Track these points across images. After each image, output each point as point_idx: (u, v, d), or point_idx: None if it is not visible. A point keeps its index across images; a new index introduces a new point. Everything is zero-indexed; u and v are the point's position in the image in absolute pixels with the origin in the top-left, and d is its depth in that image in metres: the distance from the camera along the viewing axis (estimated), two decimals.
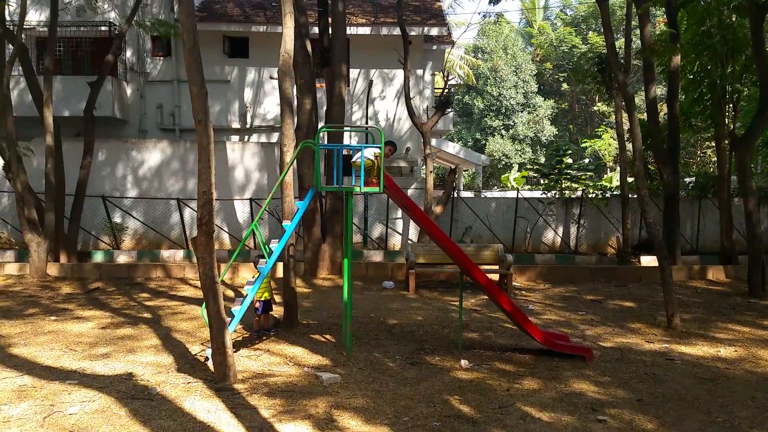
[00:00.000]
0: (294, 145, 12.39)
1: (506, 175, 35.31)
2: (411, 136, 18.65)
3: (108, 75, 17.58)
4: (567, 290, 12.26)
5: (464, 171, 31.83)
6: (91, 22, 17.34)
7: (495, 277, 13.01)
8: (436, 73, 15.75)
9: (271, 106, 18.54)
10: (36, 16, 17.89)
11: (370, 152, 6.98)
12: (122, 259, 14.40)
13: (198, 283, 12.14)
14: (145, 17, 17.60)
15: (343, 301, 7.28)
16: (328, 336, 8.18)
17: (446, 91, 17.30)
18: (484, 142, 43.34)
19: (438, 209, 15.54)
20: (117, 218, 15.72)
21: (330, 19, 13.60)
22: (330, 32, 13.56)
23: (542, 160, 37.88)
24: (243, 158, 16.50)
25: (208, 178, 5.69)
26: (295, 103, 10.79)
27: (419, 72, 18.93)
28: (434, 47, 20.66)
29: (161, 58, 18.67)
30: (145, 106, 18.62)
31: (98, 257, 14.37)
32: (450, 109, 16.90)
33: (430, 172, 15.67)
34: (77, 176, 13.95)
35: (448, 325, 8.99)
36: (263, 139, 18.39)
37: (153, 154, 16.36)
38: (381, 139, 6.80)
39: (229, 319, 6.57)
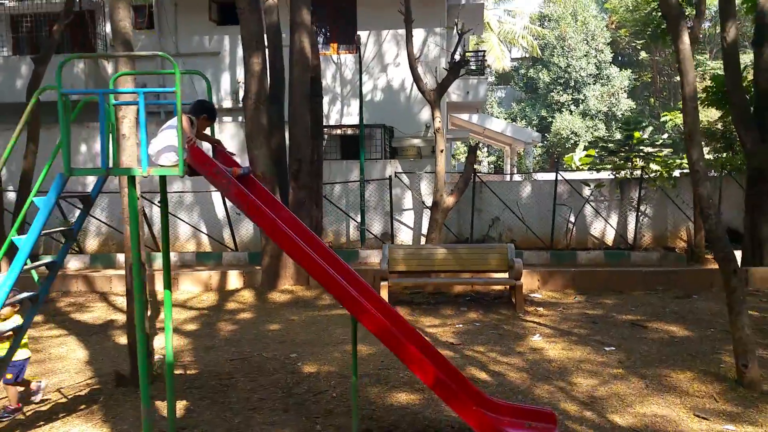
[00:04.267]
0: (251, 115, 9.86)
1: (570, 155, 31.11)
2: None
3: (82, 52, 15.73)
4: (602, 305, 8.91)
5: (518, 151, 28.09)
6: None
7: (501, 289, 9.90)
8: (463, 30, 12.58)
9: None
10: None
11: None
12: (73, 265, 12.40)
13: (119, 301, 9.80)
14: None
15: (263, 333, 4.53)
16: (186, 402, 5.50)
17: (460, 50, 14.02)
18: (550, 119, 39.04)
19: (450, 199, 12.41)
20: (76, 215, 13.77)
21: None
22: None
23: (618, 137, 33.35)
24: (231, 142, 14.06)
25: None
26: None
27: (438, 30, 15.75)
28: (463, 1, 17.32)
29: (145, 31, 16.57)
30: (131, 86, 16.60)
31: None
32: (465, 71, 13.66)
33: (441, 151, 12.56)
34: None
35: (392, 378, 6.05)
36: None
37: None
38: (176, 78, 3.95)
39: None
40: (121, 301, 9.73)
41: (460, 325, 8.02)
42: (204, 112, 4.39)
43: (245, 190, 4.09)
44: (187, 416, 5.16)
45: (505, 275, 9.18)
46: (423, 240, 13.29)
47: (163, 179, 4.63)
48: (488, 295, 9.83)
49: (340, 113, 16.14)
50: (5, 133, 13.41)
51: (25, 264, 4.09)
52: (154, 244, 13.44)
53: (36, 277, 4.68)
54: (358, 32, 14.11)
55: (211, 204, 14.08)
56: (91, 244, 14.16)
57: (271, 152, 10.08)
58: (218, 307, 9.20)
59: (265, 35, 10.20)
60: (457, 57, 13.13)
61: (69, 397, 5.66)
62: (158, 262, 12.11)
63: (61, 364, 6.66)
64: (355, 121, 15.74)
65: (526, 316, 8.43)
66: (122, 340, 7.59)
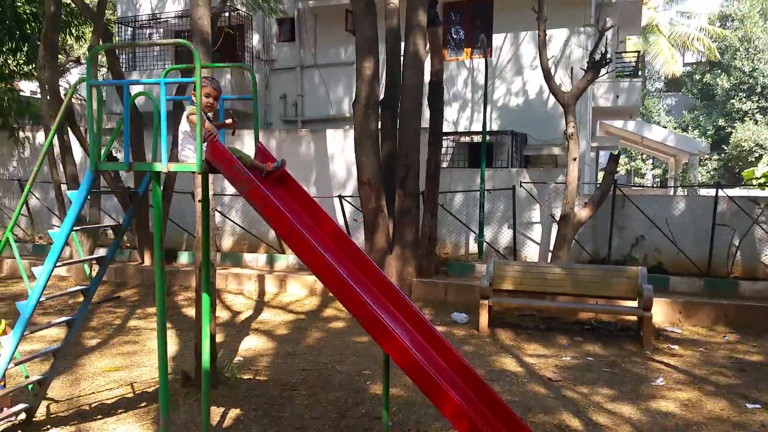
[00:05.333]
0: (359, 121, 9.59)
1: (750, 170, 27.12)
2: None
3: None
4: (760, 349, 7.23)
5: (683, 163, 24.99)
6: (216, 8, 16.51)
7: (631, 319, 8.56)
8: (604, 27, 11.30)
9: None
10: (174, 6, 17.79)
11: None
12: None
13: (230, 298, 10.00)
14: None
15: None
16: (239, 411, 5.21)
17: (606, 49, 12.54)
18: (729, 129, 34.48)
19: (583, 213, 11.08)
20: (217, 218, 14.53)
21: None
22: None
23: None
24: (344, 149, 14.03)
25: None
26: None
27: (583, 29, 14.40)
28: None
29: (286, 43, 17.24)
30: (270, 96, 17.38)
31: (183, 258, 13.26)
32: (607, 71, 12.13)
33: (574, 159, 11.29)
34: None
35: None
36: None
37: (248, 147, 14.82)
38: (196, 65, 3.61)
39: None
40: (231, 299, 9.94)
41: (568, 358, 6.91)
42: (212, 85, 4.04)
43: (264, 192, 3.62)
44: (232, 427, 4.85)
45: (633, 304, 7.83)
46: (550, 257, 12.06)
47: (205, 177, 4.37)
48: (614, 325, 8.49)
49: (470, 120, 15.41)
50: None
51: (70, 257, 4.04)
52: (279, 247, 13.75)
53: (88, 271, 4.66)
54: (482, 35, 13.30)
55: (332, 209, 14.10)
56: (226, 242, 14.88)
57: (379, 159, 9.71)
58: (315, 313, 8.98)
59: (376, 40, 9.86)
60: (597, 56, 11.77)
61: (137, 392, 5.66)
62: (280, 263, 12.34)
63: (149, 358, 6.76)
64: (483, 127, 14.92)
65: (655, 355, 7.06)
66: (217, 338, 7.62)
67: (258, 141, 4.41)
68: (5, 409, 4.53)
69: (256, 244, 14.36)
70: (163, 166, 3.71)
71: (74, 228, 4.01)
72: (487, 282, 8.01)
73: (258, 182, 3.64)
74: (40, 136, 15.75)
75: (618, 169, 11.58)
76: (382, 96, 10.62)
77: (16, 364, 4.30)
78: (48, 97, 10.87)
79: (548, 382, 6.07)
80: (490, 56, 15.16)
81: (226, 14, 16.49)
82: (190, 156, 3.82)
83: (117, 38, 18.42)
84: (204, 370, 4.37)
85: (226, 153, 3.72)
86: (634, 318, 8.26)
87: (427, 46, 10.96)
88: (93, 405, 5.30)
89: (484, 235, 12.31)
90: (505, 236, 12.91)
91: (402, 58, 10.01)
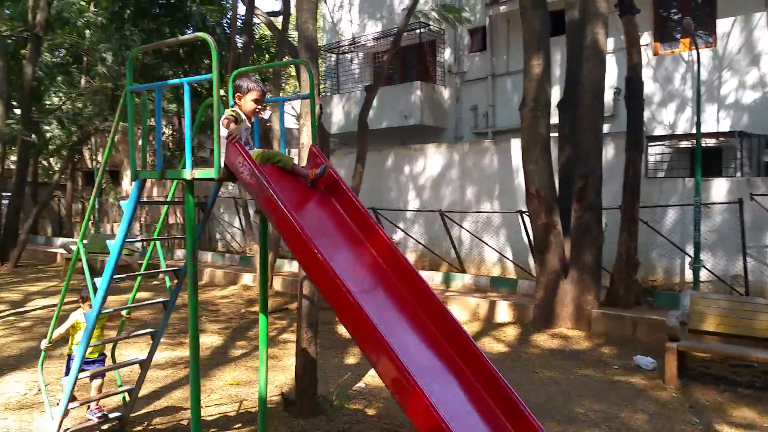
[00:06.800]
0: (527, 125, 8.56)
1: None
2: None
3: (420, 80, 16.63)
4: None
5: None
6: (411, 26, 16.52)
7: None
8: None
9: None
10: (374, 28, 18.31)
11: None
12: None
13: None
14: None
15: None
16: None
17: None
18: None
19: None
20: (398, 232, 14.33)
21: None
22: None
23: None
24: None
25: None
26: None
27: None
28: None
29: (478, 53, 16.55)
30: (461, 109, 16.81)
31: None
32: None
33: None
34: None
35: None
36: None
37: (432, 161, 14.32)
38: (213, 59, 3.08)
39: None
40: None
41: None
42: (247, 92, 3.49)
43: (279, 202, 2.96)
44: None
45: None
46: None
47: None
48: None
49: (690, 121, 12.95)
50: (350, 155, 14.90)
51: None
52: (459, 265, 13.03)
53: (169, 283, 4.52)
54: (686, 18, 10.93)
55: (516, 225, 12.92)
56: (409, 258, 14.62)
57: (551, 168, 8.48)
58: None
59: (546, 35, 8.68)
60: None
61: (241, 411, 5.42)
62: (455, 282, 11.59)
63: (280, 375, 6.52)
64: (711, 128, 12.39)
65: None
66: (350, 359, 7.21)
67: (315, 142, 3.81)
68: (98, 410, 4.55)
69: (438, 263, 13.82)
70: (188, 174, 3.32)
71: (145, 239, 3.84)
72: (677, 320, 6.27)
73: (273, 190, 3.01)
74: None
75: None
76: (560, 97, 9.38)
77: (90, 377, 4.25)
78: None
79: None
80: (714, 46, 12.63)
81: (417, 31, 16.46)
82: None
83: (324, 65, 19.65)
84: (260, 396, 3.87)
85: (240, 156, 3.18)
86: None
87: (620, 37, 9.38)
88: (184, 423, 5.14)
89: (701, 259, 9.99)
90: (736, 262, 10.38)
91: (582, 50, 8.64)
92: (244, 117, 3.44)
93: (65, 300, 4.49)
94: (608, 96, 14.53)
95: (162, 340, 7.66)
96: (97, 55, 14.36)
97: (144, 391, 5.58)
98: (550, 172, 8.48)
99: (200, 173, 3.33)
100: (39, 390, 5.51)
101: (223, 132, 3.37)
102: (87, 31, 15.72)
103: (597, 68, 8.33)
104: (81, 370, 4.08)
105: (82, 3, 15.70)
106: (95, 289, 3.91)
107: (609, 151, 11.90)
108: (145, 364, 4.51)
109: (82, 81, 17.28)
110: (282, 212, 2.94)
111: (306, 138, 5.12)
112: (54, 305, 9.37)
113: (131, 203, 3.68)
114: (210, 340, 7.69)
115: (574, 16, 9.31)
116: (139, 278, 4.61)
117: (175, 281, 4.43)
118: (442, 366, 2.99)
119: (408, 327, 3.00)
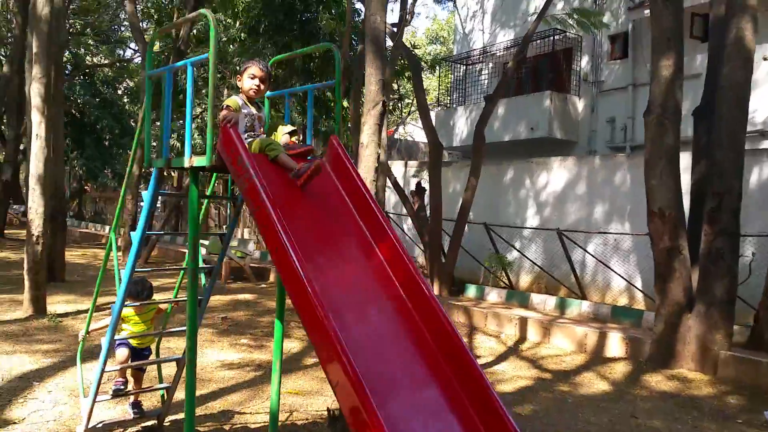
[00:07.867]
0: (651, 134, 7.54)
1: None
2: None
3: (551, 90, 15.65)
4: None
5: None
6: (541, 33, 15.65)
7: None
8: None
9: (761, 102, 12.21)
10: (506, 37, 17.63)
11: None
12: (491, 298, 12.07)
13: (478, 338, 8.88)
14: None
15: None
16: None
17: None
18: None
19: None
20: (513, 251, 13.40)
21: None
22: None
23: None
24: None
25: None
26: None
27: None
28: None
29: (618, 61, 15.20)
30: (596, 121, 15.51)
31: (471, 292, 12.53)
32: None
33: None
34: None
35: None
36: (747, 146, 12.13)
37: (555, 176, 13.22)
38: (211, 36, 2.81)
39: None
40: (481, 341, 8.83)
41: None
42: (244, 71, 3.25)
43: (261, 193, 2.62)
44: None
45: None
46: None
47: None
48: None
49: None
50: (467, 168, 14.37)
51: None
52: (579, 291, 11.91)
53: (204, 281, 4.38)
54: None
55: (649, 250, 11.48)
56: (524, 280, 13.66)
57: (679, 183, 7.35)
58: (569, 374, 7.12)
59: (679, 33, 7.56)
60: None
61: (283, 423, 5.14)
62: (571, 309, 10.55)
63: (324, 387, 6.18)
64: None
65: None
66: None
67: (336, 133, 3.44)
68: (118, 383, 4.36)
69: (556, 286, 12.75)
70: (186, 161, 3.12)
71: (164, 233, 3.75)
72: None
73: (258, 180, 2.68)
74: None
75: None
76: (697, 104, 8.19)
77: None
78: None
79: None
80: None
81: (551, 38, 15.56)
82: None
83: (452, 76, 19.31)
84: (272, 410, 3.57)
85: (233, 142, 2.89)
86: None
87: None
88: (230, 427, 4.98)
89: None
90: None
91: (723, 50, 7.41)
92: (241, 103, 3.19)
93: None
94: (766, 106, 12.62)
95: (243, 341, 7.80)
96: (231, 68, 15.34)
97: (202, 390, 5.57)
98: (677, 188, 7.34)
99: (198, 161, 3.13)
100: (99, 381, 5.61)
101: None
102: (231, 47, 16.88)
103: (740, 69, 7.07)
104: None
105: (228, 20, 16.88)
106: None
107: (765, 171, 10.24)
108: (180, 363, 4.43)
109: (224, 93, 18.61)
110: (262, 203, 2.63)
111: (366, 137, 4.79)
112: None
113: (150, 193, 3.61)
114: (290, 345, 7.60)
115: (720, 12, 8.06)
116: (182, 273, 4.54)
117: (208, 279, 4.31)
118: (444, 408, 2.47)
119: (404, 357, 2.52)
